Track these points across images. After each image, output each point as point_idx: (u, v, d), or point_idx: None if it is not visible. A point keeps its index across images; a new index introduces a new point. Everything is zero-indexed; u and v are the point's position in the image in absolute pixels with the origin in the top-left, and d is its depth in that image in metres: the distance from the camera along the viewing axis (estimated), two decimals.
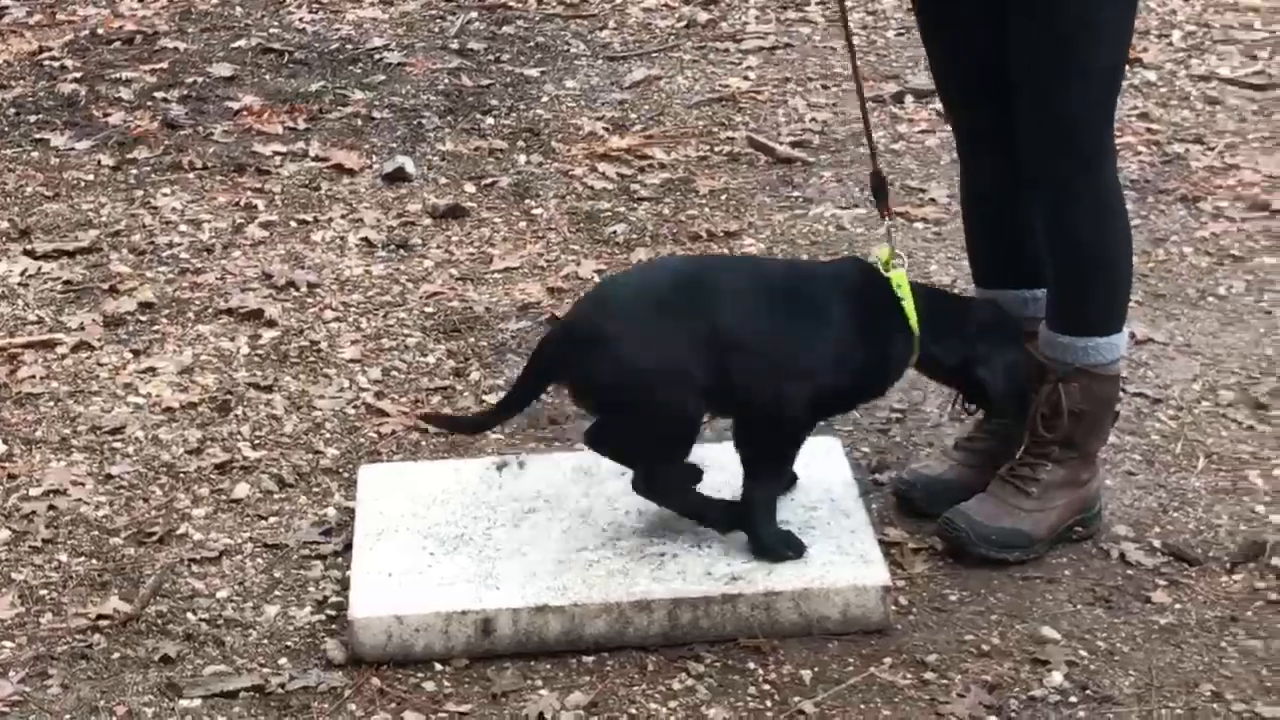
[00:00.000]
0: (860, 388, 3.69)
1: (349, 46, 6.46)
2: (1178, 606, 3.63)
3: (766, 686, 3.44)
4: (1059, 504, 3.73)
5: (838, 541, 3.65)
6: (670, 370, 3.50)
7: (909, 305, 3.61)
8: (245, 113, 5.95)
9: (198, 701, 3.45)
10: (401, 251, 5.11)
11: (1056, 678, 3.43)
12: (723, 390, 3.54)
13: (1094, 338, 3.70)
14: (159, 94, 6.11)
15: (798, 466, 3.76)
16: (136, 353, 4.62)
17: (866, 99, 3.68)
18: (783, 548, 3.60)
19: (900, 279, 3.62)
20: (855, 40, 6.34)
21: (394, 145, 5.72)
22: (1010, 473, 3.76)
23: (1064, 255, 3.69)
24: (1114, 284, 3.73)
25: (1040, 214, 3.69)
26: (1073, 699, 3.39)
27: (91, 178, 5.57)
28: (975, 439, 3.92)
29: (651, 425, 3.56)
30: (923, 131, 5.69)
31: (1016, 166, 3.67)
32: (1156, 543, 3.80)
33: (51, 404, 4.42)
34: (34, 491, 4.08)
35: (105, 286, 4.93)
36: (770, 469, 3.65)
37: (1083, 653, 3.50)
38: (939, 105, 5.75)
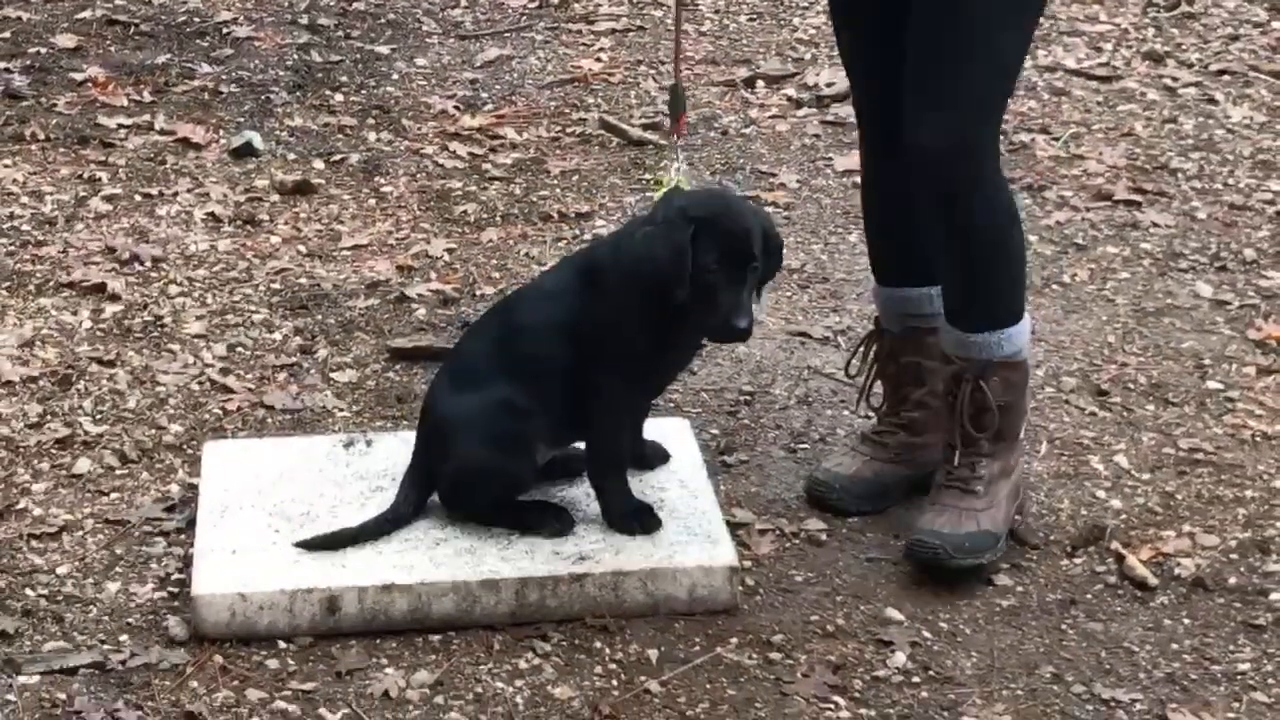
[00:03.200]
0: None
1: (196, 19, 6.37)
2: (1019, 589, 3.67)
3: (613, 666, 3.45)
4: (1004, 495, 3.72)
5: (685, 522, 3.66)
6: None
7: None
8: (90, 84, 5.86)
9: (36, 678, 3.40)
10: (248, 227, 5.05)
11: (900, 658, 3.47)
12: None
13: (1004, 329, 3.69)
14: (1, 64, 6.00)
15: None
16: None
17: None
18: (633, 520, 3.62)
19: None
20: (706, 25, 6.37)
21: (241, 120, 5.66)
22: (950, 477, 3.72)
23: (961, 248, 3.67)
24: (1014, 269, 3.73)
25: (930, 209, 3.67)
26: (915, 679, 3.43)
27: None
28: (884, 432, 3.91)
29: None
30: (774, 116, 5.71)
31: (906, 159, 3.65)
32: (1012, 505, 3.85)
33: None
34: None
35: None
36: (603, 446, 3.66)
37: (925, 634, 3.54)
38: (790, 91, 5.82)
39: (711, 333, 3.54)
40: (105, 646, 3.48)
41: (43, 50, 6.10)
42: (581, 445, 3.69)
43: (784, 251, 3.65)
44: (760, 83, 5.93)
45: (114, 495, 3.92)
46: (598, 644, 3.50)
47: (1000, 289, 3.70)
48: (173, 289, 4.72)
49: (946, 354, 3.73)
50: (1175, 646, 3.53)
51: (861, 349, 3.98)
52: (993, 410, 3.68)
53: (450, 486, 3.64)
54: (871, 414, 4.00)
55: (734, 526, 3.76)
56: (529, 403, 3.55)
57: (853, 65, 3.84)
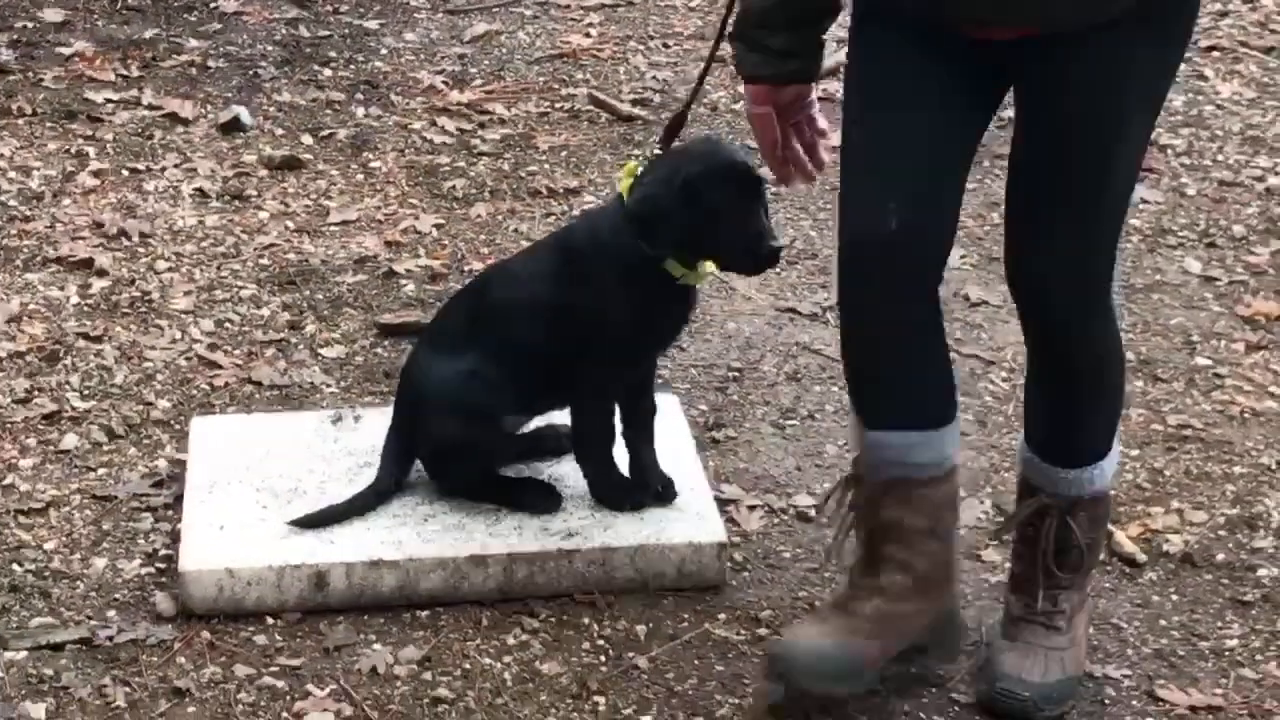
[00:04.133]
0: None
1: None
2: (1008, 565, 3.66)
3: (601, 641, 3.45)
4: (1083, 629, 3.41)
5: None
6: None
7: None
8: (77, 58, 5.84)
9: (23, 654, 3.39)
10: (236, 202, 5.04)
11: None
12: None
13: (1096, 464, 3.33)
14: None
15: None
16: None
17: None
18: (620, 495, 3.62)
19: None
20: (695, 1, 6.34)
21: (229, 95, 5.64)
22: (1030, 612, 3.35)
23: (1064, 380, 3.29)
24: (1114, 403, 3.36)
25: (1033, 338, 3.28)
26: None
27: None
28: (857, 598, 3.29)
29: None
30: None
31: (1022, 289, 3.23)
32: (987, 502, 3.85)
33: None
34: None
35: None
36: (586, 425, 3.66)
37: None
38: None
39: (747, 262, 3.50)
40: (93, 622, 3.47)
41: (30, 24, 6.08)
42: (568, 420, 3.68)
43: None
44: None
45: (101, 471, 3.91)
46: (586, 620, 3.49)
47: (1098, 424, 3.33)
48: (160, 264, 4.71)
49: (1030, 484, 3.36)
50: (1163, 623, 3.54)
51: (836, 494, 3.39)
52: (1080, 547, 3.34)
53: (428, 458, 3.64)
54: (842, 570, 3.49)
55: (722, 503, 3.76)
56: (497, 374, 3.55)
57: (887, 153, 3.16)
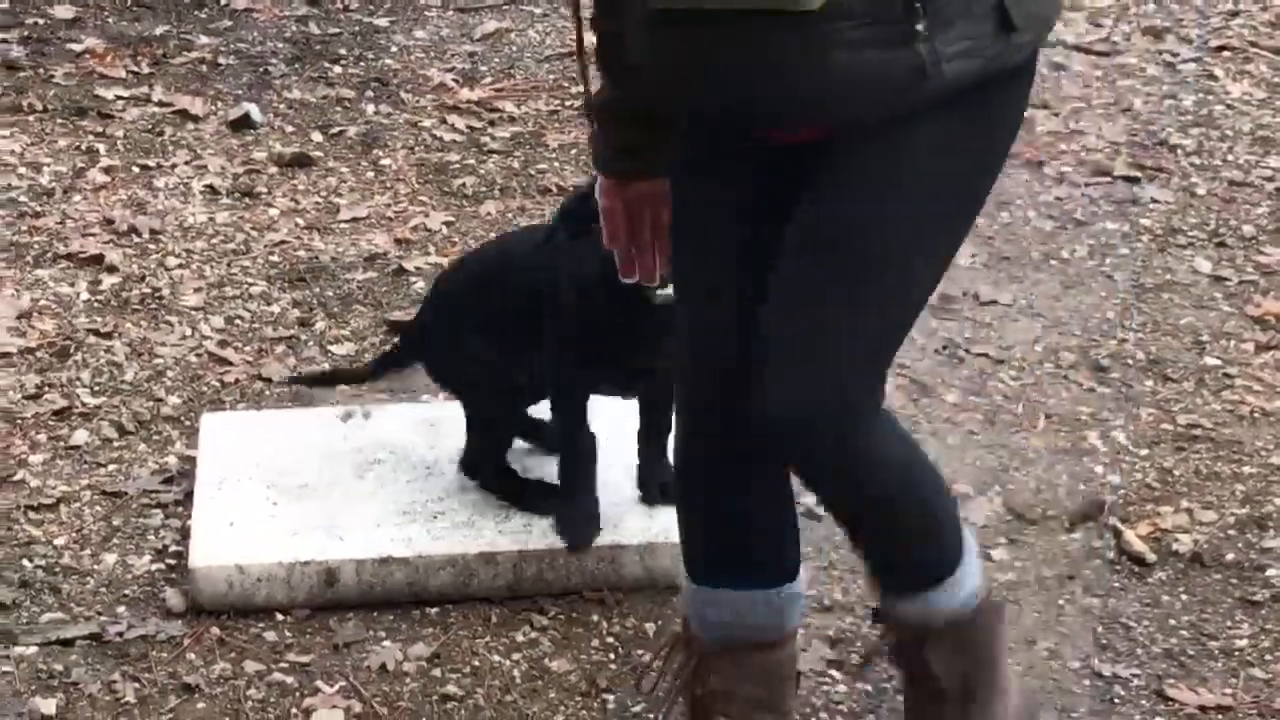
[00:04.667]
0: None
1: None
2: (1017, 564, 3.67)
3: (610, 639, 3.45)
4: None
5: None
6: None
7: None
8: (88, 55, 5.84)
9: (33, 649, 3.40)
10: (246, 199, 5.04)
11: None
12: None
13: (941, 583, 2.88)
14: None
15: None
16: None
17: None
18: (569, 525, 3.57)
19: None
20: None
21: (240, 92, 5.64)
22: None
23: (853, 522, 2.88)
24: (930, 519, 2.87)
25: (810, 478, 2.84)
26: None
27: None
28: None
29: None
30: None
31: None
32: (997, 500, 3.85)
33: None
34: None
35: None
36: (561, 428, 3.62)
37: None
38: None
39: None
40: (103, 618, 3.48)
41: (40, 21, 6.08)
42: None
43: None
44: None
45: (112, 467, 3.92)
46: (595, 617, 3.50)
47: (917, 546, 2.88)
48: (171, 261, 4.72)
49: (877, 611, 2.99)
50: (1173, 622, 3.53)
51: (663, 654, 3.07)
52: (949, 675, 2.91)
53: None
54: None
55: None
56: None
57: (691, 278, 2.83)
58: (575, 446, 3.57)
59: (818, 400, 2.63)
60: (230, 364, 4.28)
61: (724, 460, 2.84)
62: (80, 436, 4.00)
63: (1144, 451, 4.03)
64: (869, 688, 3.34)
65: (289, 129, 5.44)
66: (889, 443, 2.77)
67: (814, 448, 2.70)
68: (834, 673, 3.37)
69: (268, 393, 4.18)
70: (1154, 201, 5.08)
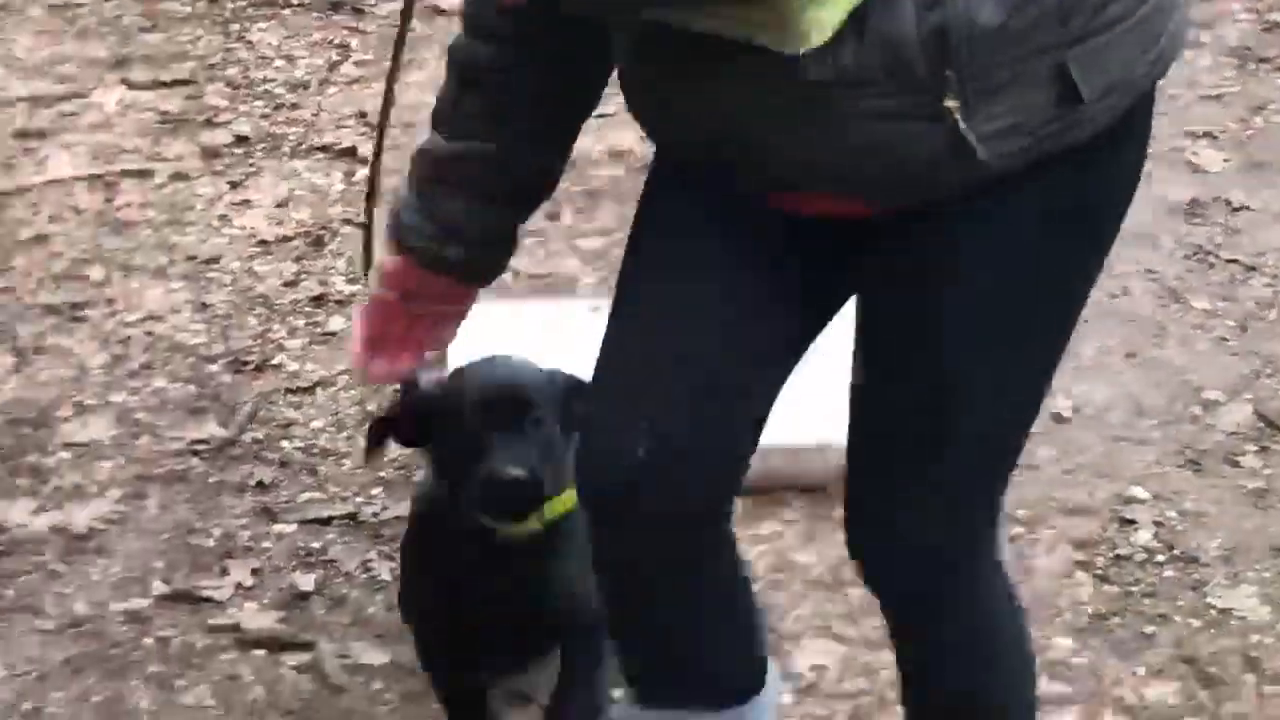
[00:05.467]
0: None
1: None
2: (1267, 471, 3.63)
3: None
4: None
5: None
6: None
7: None
8: None
9: (293, 526, 3.50)
10: None
11: (1144, 537, 3.45)
12: None
13: None
14: None
15: None
16: (233, 185, 4.64)
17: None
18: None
19: None
20: None
21: None
22: None
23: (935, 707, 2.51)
24: (1027, 689, 2.51)
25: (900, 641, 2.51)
26: (1159, 558, 3.41)
27: (189, 10, 5.55)
28: None
29: None
30: None
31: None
32: (1248, 408, 3.80)
33: (149, 232, 4.45)
34: (131, 317, 4.12)
35: (201, 119, 4.95)
36: None
37: (1170, 513, 3.51)
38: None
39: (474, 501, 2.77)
40: (358, 499, 3.57)
41: None
42: None
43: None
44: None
45: None
46: (839, 512, 3.50)
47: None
48: None
49: None
50: None
51: None
52: None
53: None
54: None
55: None
56: None
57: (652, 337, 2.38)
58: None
59: (939, 529, 2.31)
60: None
61: (652, 569, 2.39)
62: (336, 323, 4.09)
63: None
64: (1116, 589, 3.33)
65: None
66: (1002, 576, 2.43)
67: (927, 577, 2.37)
68: (1080, 574, 3.36)
69: (515, 284, 4.23)
70: None
